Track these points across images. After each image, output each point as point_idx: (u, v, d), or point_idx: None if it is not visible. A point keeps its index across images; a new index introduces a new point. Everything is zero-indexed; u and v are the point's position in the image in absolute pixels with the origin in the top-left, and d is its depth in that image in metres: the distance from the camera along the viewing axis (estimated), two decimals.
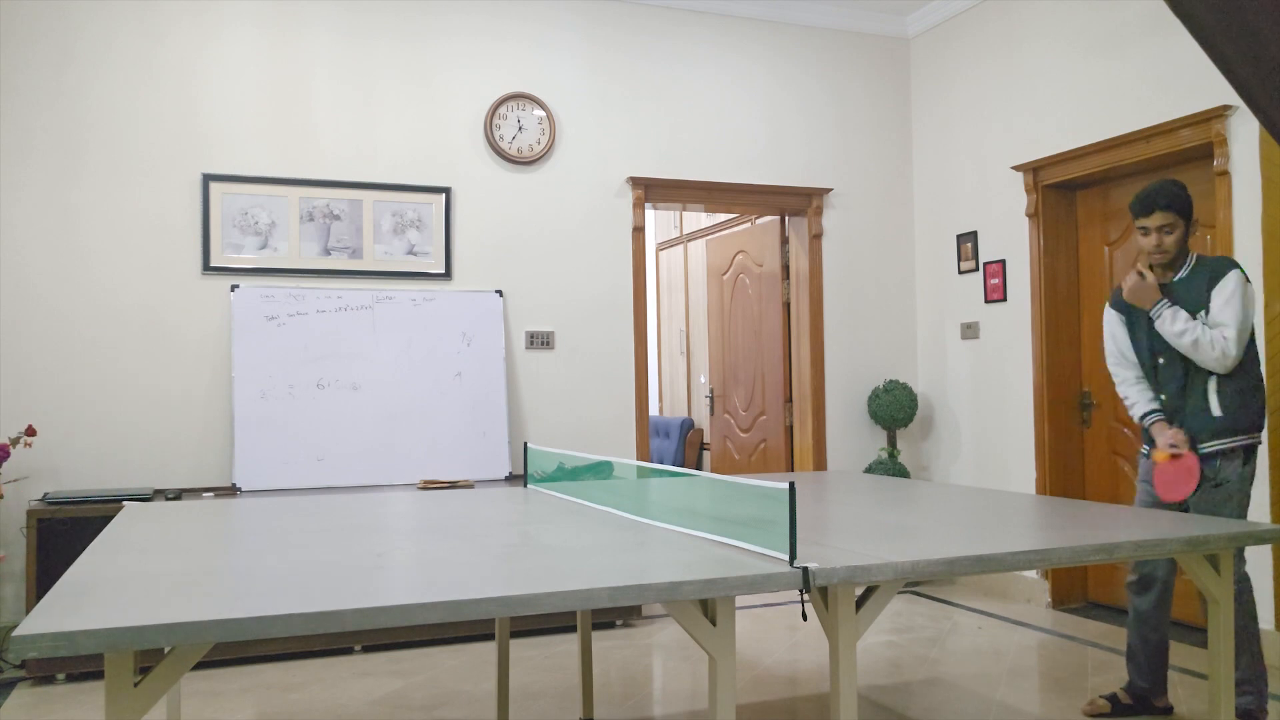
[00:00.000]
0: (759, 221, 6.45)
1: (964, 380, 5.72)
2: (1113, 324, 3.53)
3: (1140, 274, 3.35)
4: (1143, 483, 3.45)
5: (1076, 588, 5.14)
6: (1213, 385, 3.24)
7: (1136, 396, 3.44)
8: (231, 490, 4.58)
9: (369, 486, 4.73)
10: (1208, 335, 3.18)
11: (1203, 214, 4.49)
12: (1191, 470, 3.20)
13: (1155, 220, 3.28)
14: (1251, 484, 3.24)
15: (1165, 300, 3.28)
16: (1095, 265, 5.10)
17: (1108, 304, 3.57)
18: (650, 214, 8.43)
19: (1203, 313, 3.23)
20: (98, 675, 4.07)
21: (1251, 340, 3.24)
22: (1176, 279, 3.34)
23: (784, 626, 4.80)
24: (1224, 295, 3.19)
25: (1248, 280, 3.22)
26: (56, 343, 4.53)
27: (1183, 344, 3.23)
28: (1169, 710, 3.49)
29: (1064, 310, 5.17)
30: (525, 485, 3.54)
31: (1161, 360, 3.36)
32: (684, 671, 4.10)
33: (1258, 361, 3.27)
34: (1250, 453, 3.23)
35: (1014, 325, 5.34)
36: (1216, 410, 3.23)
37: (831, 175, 5.95)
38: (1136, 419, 3.44)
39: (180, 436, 4.68)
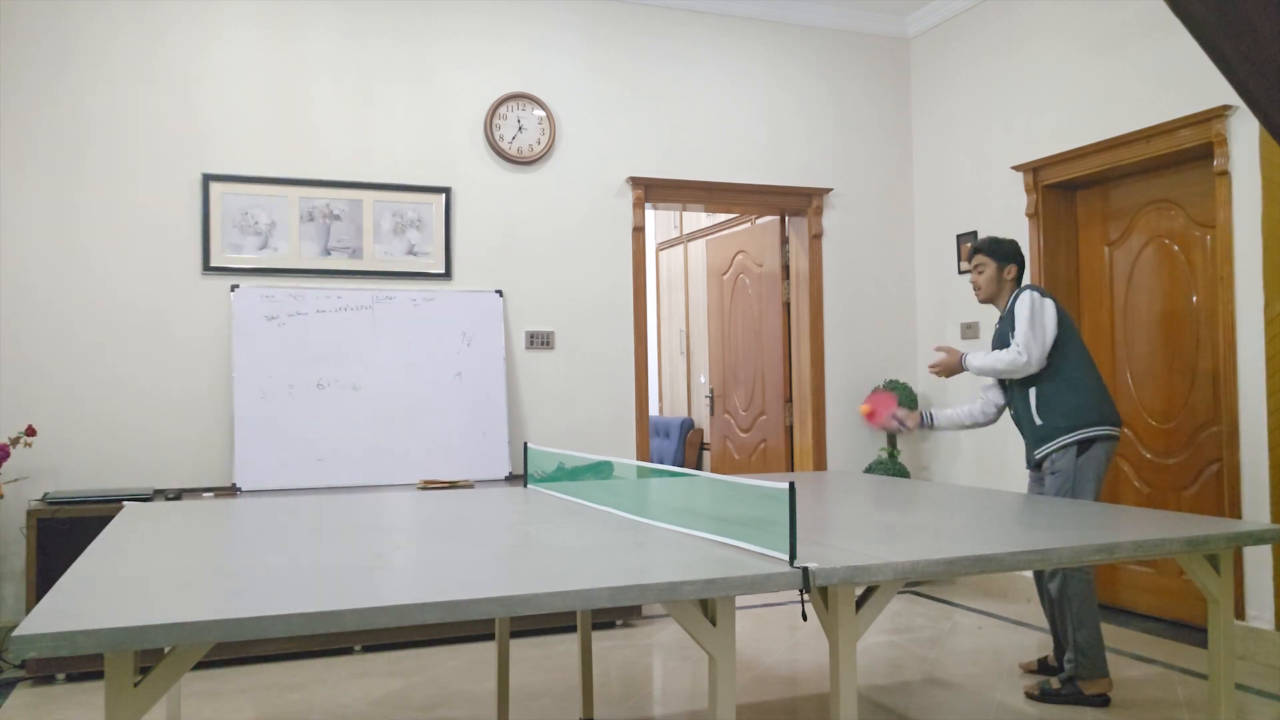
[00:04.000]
0: (759, 221, 6.45)
1: (964, 380, 5.71)
2: None
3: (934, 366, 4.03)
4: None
5: None
6: (1031, 396, 3.71)
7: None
8: (231, 490, 4.58)
9: (369, 486, 4.73)
10: (1005, 352, 3.68)
11: (1203, 214, 4.49)
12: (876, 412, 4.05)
13: (973, 262, 3.93)
14: (1095, 469, 3.57)
15: (963, 354, 3.87)
16: (1095, 265, 5.10)
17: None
18: (650, 214, 8.42)
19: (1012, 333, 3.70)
20: (98, 675, 4.07)
21: (1066, 345, 3.66)
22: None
23: (784, 626, 4.80)
24: (1019, 316, 3.69)
25: (1043, 297, 3.68)
26: (56, 343, 4.53)
27: (992, 370, 3.73)
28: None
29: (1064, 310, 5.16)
30: (525, 485, 3.54)
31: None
32: (684, 671, 4.10)
33: (1078, 365, 3.66)
34: (1085, 445, 3.58)
35: None
36: (1037, 420, 3.69)
37: (831, 175, 5.95)
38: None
39: (180, 436, 4.68)
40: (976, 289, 3.93)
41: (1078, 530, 2.27)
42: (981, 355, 3.78)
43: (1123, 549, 2.11)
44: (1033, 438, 3.73)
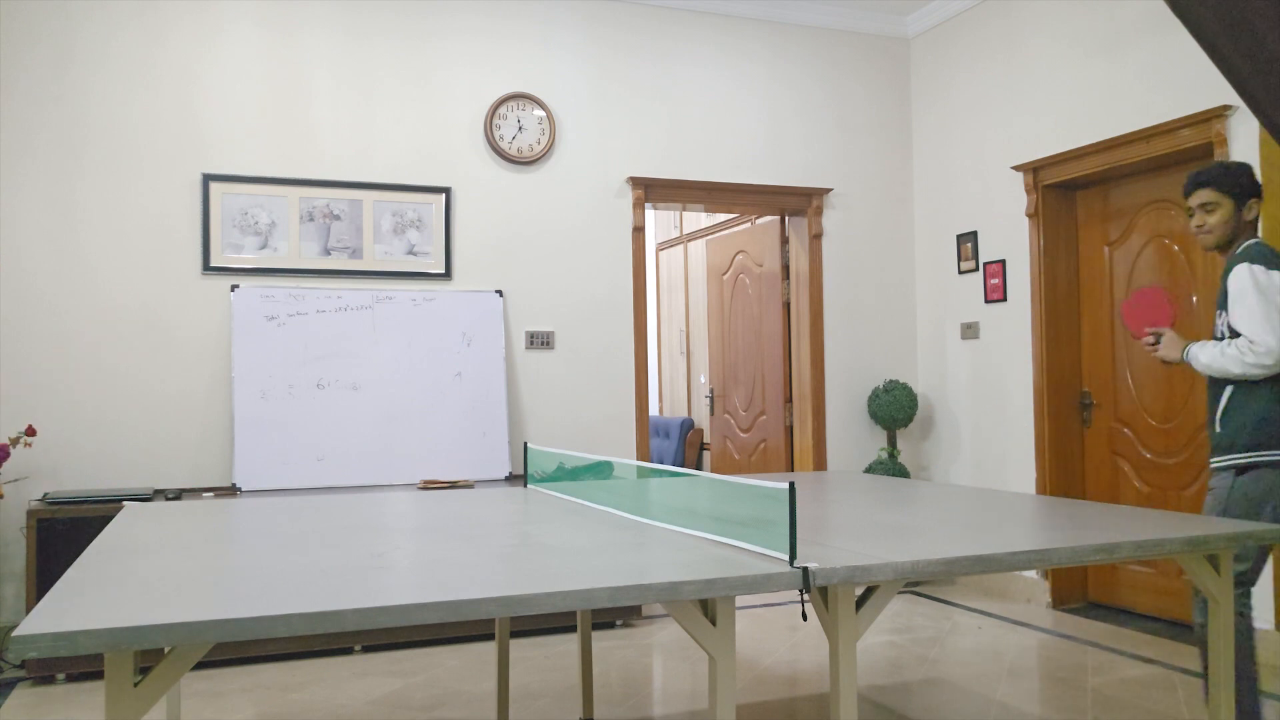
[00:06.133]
0: (759, 221, 6.45)
1: (964, 380, 5.72)
2: None
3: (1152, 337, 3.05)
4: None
5: (1076, 588, 5.13)
6: (1224, 396, 2.93)
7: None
8: (231, 490, 4.58)
9: (369, 486, 4.73)
10: (1232, 348, 2.85)
11: None
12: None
13: (1197, 198, 3.01)
14: (1253, 498, 2.85)
15: (1188, 344, 3.00)
16: (1095, 265, 5.10)
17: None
18: (650, 214, 8.43)
19: (1220, 313, 2.93)
20: (98, 675, 4.07)
21: None
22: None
23: (784, 626, 4.80)
24: (1234, 294, 2.85)
25: (1269, 268, 2.81)
26: (56, 343, 4.53)
27: (1222, 371, 2.88)
28: None
29: (1064, 310, 5.17)
30: (525, 485, 3.54)
31: None
32: (684, 671, 4.09)
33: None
34: (1245, 469, 2.87)
35: (1014, 325, 5.34)
36: (1217, 426, 2.95)
37: (831, 175, 5.95)
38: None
39: (180, 436, 4.68)
40: (1206, 232, 3.01)
41: (1077, 530, 2.27)
42: (1208, 348, 2.91)
43: (1123, 549, 2.11)
44: (1211, 444, 2.99)
